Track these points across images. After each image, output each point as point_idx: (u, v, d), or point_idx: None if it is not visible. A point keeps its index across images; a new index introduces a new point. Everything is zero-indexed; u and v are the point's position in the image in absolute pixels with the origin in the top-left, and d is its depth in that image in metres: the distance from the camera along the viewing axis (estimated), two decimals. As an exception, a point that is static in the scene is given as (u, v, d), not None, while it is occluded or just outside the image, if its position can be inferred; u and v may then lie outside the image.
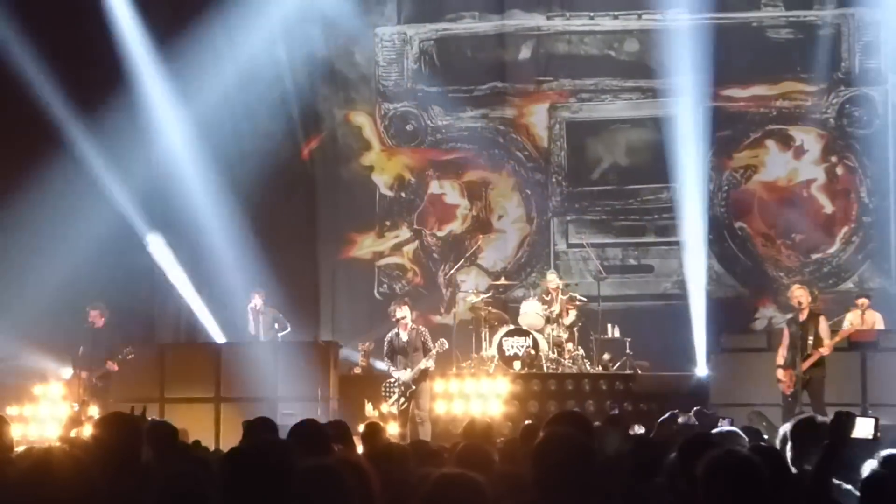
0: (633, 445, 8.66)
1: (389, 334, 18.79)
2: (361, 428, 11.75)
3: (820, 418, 8.22)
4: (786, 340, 17.46)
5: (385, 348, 18.78)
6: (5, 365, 19.82)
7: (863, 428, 6.90)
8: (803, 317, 17.36)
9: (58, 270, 21.34)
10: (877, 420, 7.04)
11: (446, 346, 18.77)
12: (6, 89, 21.12)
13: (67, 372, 19.36)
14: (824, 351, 17.18)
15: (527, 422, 10.83)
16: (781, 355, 17.42)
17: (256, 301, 21.14)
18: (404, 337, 18.53)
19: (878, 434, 7.00)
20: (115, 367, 18.73)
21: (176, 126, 23.73)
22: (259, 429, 8.47)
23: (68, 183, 21.53)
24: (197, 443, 10.78)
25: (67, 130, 21.68)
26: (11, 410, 17.25)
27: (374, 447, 8.64)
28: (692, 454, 6.39)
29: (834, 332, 17.93)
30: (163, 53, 23.40)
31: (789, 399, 17.15)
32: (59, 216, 21.77)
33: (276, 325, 21.25)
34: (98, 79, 22.35)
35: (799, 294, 17.60)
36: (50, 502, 5.13)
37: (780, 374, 17.29)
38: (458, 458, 7.13)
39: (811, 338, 17.25)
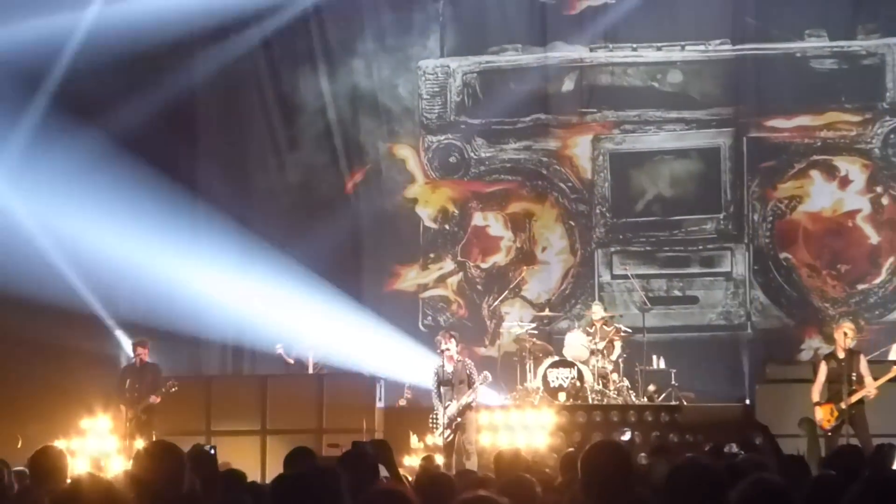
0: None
1: (435, 366, 18.85)
2: (405, 460, 11.81)
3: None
4: (822, 376, 17.32)
5: (432, 380, 18.83)
6: None
7: None
8: (842, 354, 17.27)
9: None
10: None
11: (490, 379, 18.82)
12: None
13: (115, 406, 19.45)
14: (870, 393, 17.09)
15: (568, 449, 10.85)
16: (818, 391, 17.29)
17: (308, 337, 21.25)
18: (449, 369, 18.58)
19: None
20: (158, 400, 18.84)
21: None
22: (298, 458, 8.49)
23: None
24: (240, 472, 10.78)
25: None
26: (59, 444, 17.31)
27: (428, 477, 8.67)
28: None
29: (880, 363, 17.82)
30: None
31: (828, 434, 17.05)
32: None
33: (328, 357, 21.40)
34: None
35: (848, 332, 17.52)
36: None
37: (820, 410, 17.15)
38: (500, 489, 7.13)
39: (855, 374, 17.17)
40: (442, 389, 18.54)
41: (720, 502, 5.64)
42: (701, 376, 22.12)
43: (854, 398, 17.00)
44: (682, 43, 24.49)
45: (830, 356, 17.56)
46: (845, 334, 17.37)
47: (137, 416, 18.71)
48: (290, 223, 24.70)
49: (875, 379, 17.29)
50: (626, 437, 18.86)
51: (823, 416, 17.06)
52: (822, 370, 17.40)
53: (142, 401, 18.80)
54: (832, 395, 17.19)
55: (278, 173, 25.26)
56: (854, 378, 17.10)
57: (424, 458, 11.58)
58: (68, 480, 7.85)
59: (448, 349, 18.69)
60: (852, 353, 17.36)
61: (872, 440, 15.84)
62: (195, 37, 24.14)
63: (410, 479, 9.51)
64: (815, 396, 17.29)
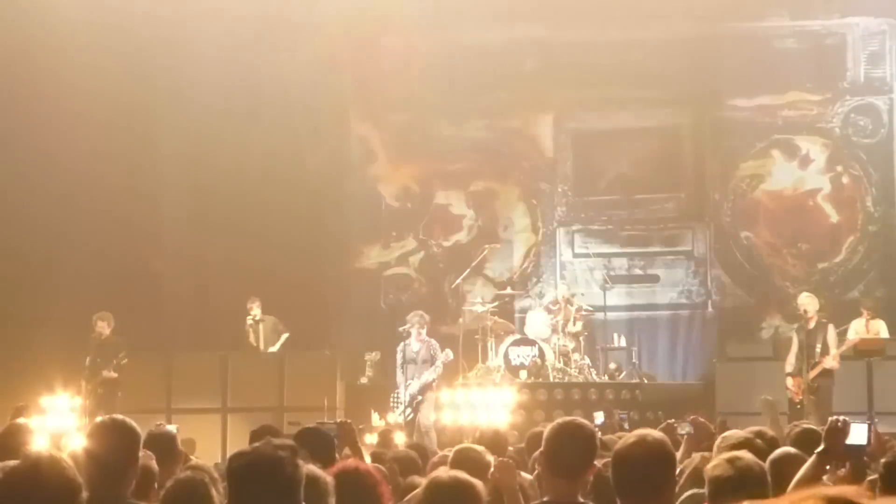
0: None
1: (401, 345, 18.86)
2: (367, 438, 11.80)
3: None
4: (794, 348, 17.47)
5: (397, 358, 18.86)
6: None
7: (856, 435, 6.95)
8: (811, 325, 17.37)
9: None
10: (870, 426, 7.09)
11: (451, 356, 18.82)
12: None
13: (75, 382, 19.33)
14: (830, 363, 17.16)
15: (533, 430, 10.88)
16: (790, 363, 17.44)
17: (255, 311, 21.14)
18: (415, 348, 18.61)
19: (871, 440, 7.05)
20: (114, 375, 18.72)
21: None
22: (264, 436, 8.47)
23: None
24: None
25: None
26: (19, 421, 17.19)
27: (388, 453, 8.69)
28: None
29: (839, 341, 17.91)
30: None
31: (798, 407, 17.17)
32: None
33: (279, 330, 21.29)
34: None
35: (806, 302, 17.63)
36: None
37: (789, 381, 17.30)
38: (452, 463, 7.16)
39: (819, 346, 17.27)
40: (407, 368, 18.57)
41: (667, 477, 5.73)
42: (662, 354, 22.21)
43: (815, 371, 17.11)
44: (646, 21, 24.47)
45: (800, 328, 17.70)
46: (805, 311, 17.48)
47: (94, 390, 18.58)
48: (250, 200, 24.63)
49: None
50: (599, 420, 18.85)
51: (793, 387, 17.21)
52: (795, 342, 17.57)
53: (98, 375, 18.67)
54: (800, 367, 17.32)
55: (239, 150, 25.11)
56: (818, 350, 17.20)
57: (381, 434, 11.55)
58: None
59: (412, 326, 18.73)
60: (820, 326, 17.46)
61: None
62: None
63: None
64: (788, 368, 17.45)
